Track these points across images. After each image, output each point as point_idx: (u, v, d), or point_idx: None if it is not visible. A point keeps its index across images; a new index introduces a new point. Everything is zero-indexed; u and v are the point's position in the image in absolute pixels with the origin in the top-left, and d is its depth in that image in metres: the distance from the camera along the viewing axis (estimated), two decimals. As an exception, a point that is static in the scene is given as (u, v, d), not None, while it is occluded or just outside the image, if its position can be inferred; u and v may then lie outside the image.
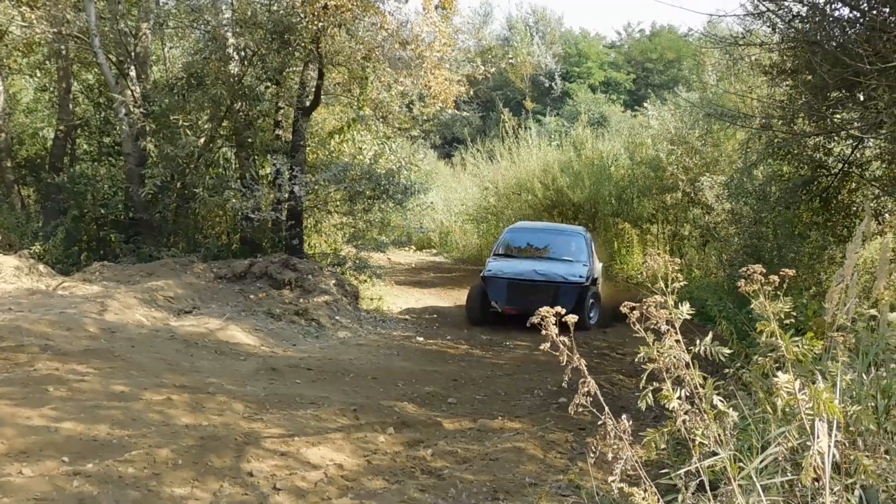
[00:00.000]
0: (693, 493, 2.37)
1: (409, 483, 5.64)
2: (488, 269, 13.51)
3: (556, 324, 2.14)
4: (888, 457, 2.89)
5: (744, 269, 2.26)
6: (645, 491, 2.01)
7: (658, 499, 2.04)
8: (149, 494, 4.87)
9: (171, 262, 12.78)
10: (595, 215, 19.36)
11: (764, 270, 2.21)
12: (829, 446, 2.03)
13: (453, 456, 6.22)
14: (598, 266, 14.90)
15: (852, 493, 2.54)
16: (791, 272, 2.28)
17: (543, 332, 2.15)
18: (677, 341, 2.36)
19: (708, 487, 2.36)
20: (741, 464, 2.43)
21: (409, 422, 6.94)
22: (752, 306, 5.13)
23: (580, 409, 2.12)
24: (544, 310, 2.27)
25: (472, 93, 16.45)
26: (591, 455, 2.08)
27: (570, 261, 13.64)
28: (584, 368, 2.10)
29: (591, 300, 13.06)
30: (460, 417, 7.35)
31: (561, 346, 2.09)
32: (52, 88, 16.45)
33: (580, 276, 12.97)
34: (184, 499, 4.92)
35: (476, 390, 8.46)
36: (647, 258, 2.41)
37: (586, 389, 2.06)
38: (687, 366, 2.22)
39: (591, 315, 12.99)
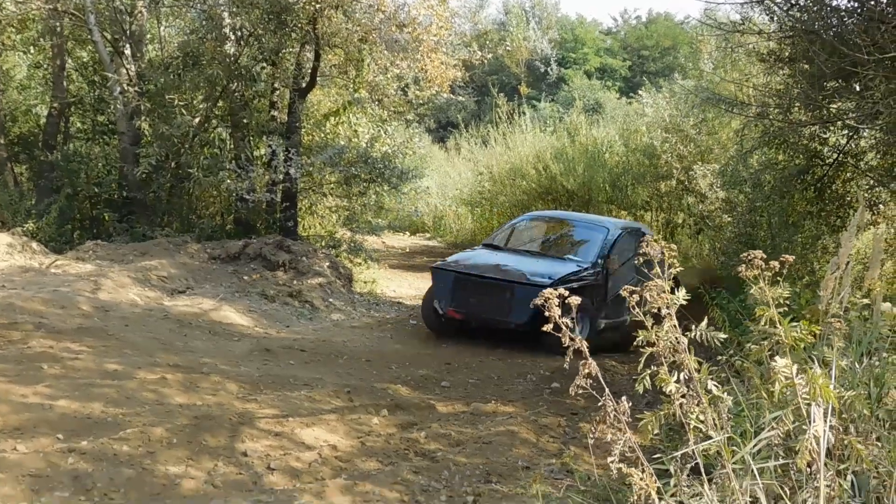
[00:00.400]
0: (687, 477, 2.40)
1: (402, 465, 5.68)
2: (443, 260, 11.36)
3: (559, 305, 2.14)
4: (879, 444, 2.93)
5: (745, 254, 2.28)
6: (643, 472, 2.04)
7: (655, 480, 2.07)
8: (143, 472, 4.90)
9: (165, 241, 12.77)
10: (589, 202, 19.35)
11: (764, 256, 2.23)
12: (825, 430, 2.06)
13: (447, 439, 6.25)
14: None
15: (844, 479, 2.57)
16: (790, 258, 2.30)
17: (546, 313, 2.15)
18: (674, 326, 2.38)
19: (703, 471, 2.38)
20: (735, 448, 2.46)
21: (403, 404, 6.97)
22: (748, 293, 5.16)
23: (580, 392, 2.14)
24: (547, 292, 2.24)
25: (467, 77, 16.42)
26: (591, 436, 2.09)
27: (565, 259, 10.63)
28: (586, 350, 2.11)
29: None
30: (453, 401, 7.38)
31: (563, 327, 2.09)
32: (45, 65, 16.34)
33: (549, 278, 9.67)
34: (178, 477, 4.95)
35: (469, 374, 8.49)
36: (643, 244, 2.42)
37: (587, 371, 2.08)
38: (684, 350, 2.24)
39: (574, 332, 10.65)
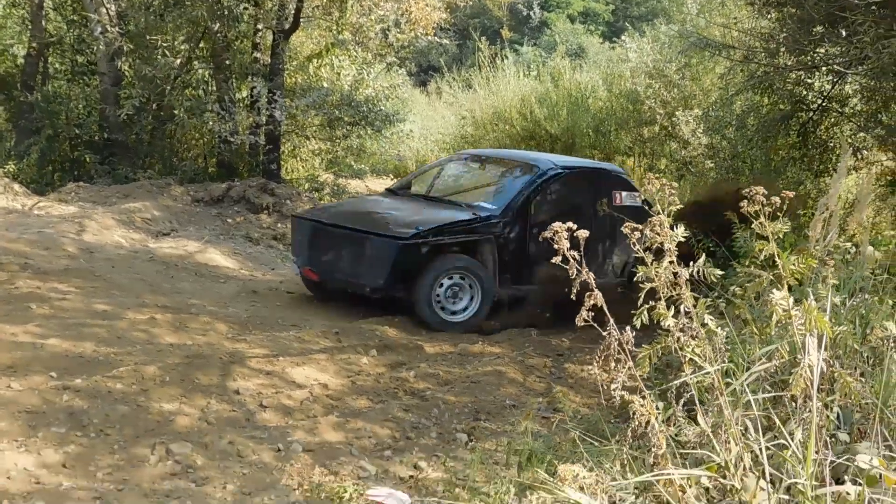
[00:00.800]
0: (682, 407, 2.48)
1: (392, 403, 5.78)
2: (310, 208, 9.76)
3: (568, 238, 2.16)
4: (863, 379, 3.04)
5: (746, 189, 2.33)
6: (644, 399, 2.11)
7: (654, 406, 2.15)
8: (138, 409, 4.96)
9: (148, 184, 12.69)
10: (572, 147, 19.35)
11: (766, 192, 2.29)
12: (819, 360, 2.14)
13: (435, 378, 6.35)
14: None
15: (830, 411, 2.67)
16: (791, 194, 2.36)
17: (556, 246, 2.17)
18: (671, 262, 2.43)
19: (697, 403, 2.46)
20: (728, 380, 2.54)
21: (391, 345, 7.04)
22: (738, 236, 5.24)
23: (583, 323, 2.20)
24: (556, 225, 2.22)
25: (451, 20, 16.29)
26: (597, 364, 2.15)
27: (468, 206, 8.45)
28: (593, 282, 2.16)
29: (444, 275, 7.85)
30: (441, 342, 7.46)
31: (571, 259, 2.13)
32: (22, 4, 15.97)
33: (417, 229, 7.70)
34: (172, 414, 5.02)
35: (456, 315, 8.54)
36: (645, 181, 2.46)
37: (592, 302, 2.13)
38: (684, 283, 2.31)
39: (457, 304, 7.98)
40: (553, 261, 2.24)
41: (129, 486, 4.14)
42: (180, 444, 4.60)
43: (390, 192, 9.68)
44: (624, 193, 8.88)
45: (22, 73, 15.16)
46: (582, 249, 2.24)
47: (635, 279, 2.36)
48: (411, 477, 4.61)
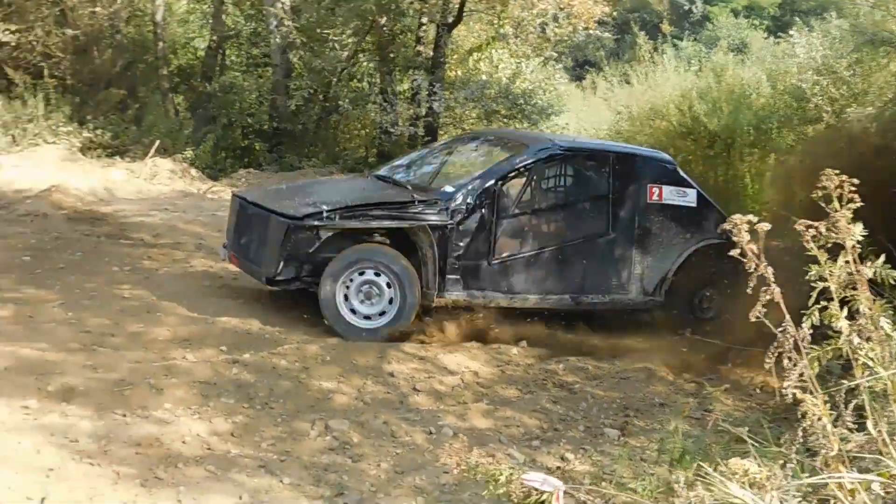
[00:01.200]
0: (851, 412, 2.40)
1: (541, 394, 5.81)
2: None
3: (748, 231, 2.11)
4: None
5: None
6: (815, 398, 2.06)
7: (827, 407, 2.09)
8: (300, 386, 5.22)
9: (312, 171, 13.24)
10: (731, 145, 18.75)
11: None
12: None
13: (584, 372, 6.33)
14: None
15: None
16: None
17: (735, 238, 2.12)
18: (847, 262, 2.35)
19: (868, 407, 2.38)
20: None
21: (540, 337, 7.04)
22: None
23: (756, 319, 2.16)
24: (737, 216, 2.17)
25: (613, 14, 16.11)
26: (769, 360, 2.11)
27: (410, 188, 6.97)
28: (771, 276, 2.12)
29: (355, 269, 6.38)
30: (589, 336, 7.39)
31: (749, 252, 2.09)
32: (206, 0, 16.90)
33: (318, 209, 6.30)
34: (331, 392, 5.24)
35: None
36: (822, 177, 2.38)
37: (768, 297, 2.09)
38: (862, 284, 2.23)
39: (372, 306, 6.44)
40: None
41: (291, 457, 4.35)
42: (338, 420, 4.81)
43: (376, 174, 8.09)
44: (666, 189, 7.15)
45: (202, 65, 16.06)
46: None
47: (807, 277, 2.28)
48: (558, 468, 4.62)
